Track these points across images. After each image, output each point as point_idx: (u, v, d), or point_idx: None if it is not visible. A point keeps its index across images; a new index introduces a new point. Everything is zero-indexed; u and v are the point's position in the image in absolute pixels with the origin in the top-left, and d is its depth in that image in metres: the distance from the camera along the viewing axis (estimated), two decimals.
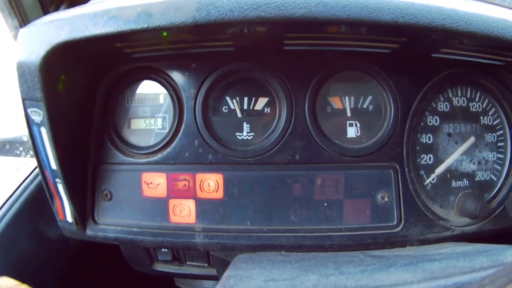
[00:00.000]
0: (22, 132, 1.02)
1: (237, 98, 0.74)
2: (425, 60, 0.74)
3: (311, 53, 0.72)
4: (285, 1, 0.55)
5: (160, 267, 0.91)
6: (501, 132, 0.80)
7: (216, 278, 0.89)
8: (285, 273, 0.53)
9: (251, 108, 0.74)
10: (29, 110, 0.67)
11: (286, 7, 0.55)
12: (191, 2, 0.57)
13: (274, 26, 0.58)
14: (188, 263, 0.89)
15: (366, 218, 0.73)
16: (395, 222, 0.74)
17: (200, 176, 0.73)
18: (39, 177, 0.90)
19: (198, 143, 0.73)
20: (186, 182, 0.73)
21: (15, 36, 0.84)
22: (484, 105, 0.80)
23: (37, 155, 0.71)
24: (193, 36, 0.64)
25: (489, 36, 0.62)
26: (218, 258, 0.81)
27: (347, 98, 0.75)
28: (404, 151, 0.74)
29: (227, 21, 0.56)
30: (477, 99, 0.80)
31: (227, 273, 0.54)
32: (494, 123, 0.80)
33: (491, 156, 0.80)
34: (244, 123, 0.74)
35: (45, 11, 0.86)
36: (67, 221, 0.76)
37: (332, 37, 0.66)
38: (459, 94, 0.79)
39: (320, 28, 0.60)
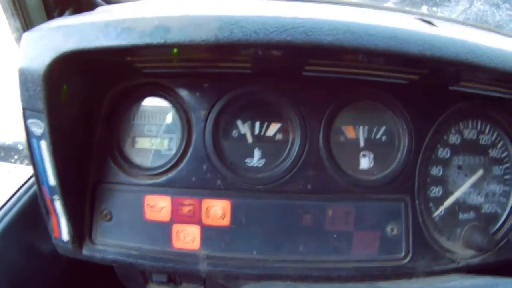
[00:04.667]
0: (17, 139, 0.98)
1: (249, 122, 0.72)
2: (440, 92, 0.74)
3: (328, 80, 0.70)
4: (312, 26, 0.53)
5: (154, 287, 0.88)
6: (508, 164, 0.80)
7: None
8: None
9: (262, 133, 0.72)
10: (28, 121, 0.63)
11: (314, 33, 0.53)
12: (213, 19, 0.54)
13: (299, 51, 0.56)
14: (183, 284, 0.86)
15: (375, 249, 0.72)
16: (403, 254, 0.73)
17: (206, 202, 0.70)
18: (33, 189, 0.86)
19: (206, 168, 0.70)
20: (192, 207, 0.70)
21: (17, 39, 0.80)
22: (493, 138, 0.80)
23: (35, 168, 0.67)
24: (211, 55, 0.61)
25: (510, 71, 0.61)
26: (217, 283, 0.78)
27: (361, 127, 0.73)
28: (416, 184, 0.73)
29: (251, 43, 0.53)
30: (486, 132, 0.79)
31: None
32: (502, 156, 0.80)
33: (497, 189, 0.80)
34: (255, 149, 0.72)
35: (49, 15, 0.81)
36: (62, 239, 0.73)
37: (353, 65, 0.64)
38: (470, 127, 0.79)
39: (346, 56, 0.59)
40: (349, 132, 0.73)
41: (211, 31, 0.53)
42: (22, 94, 0.60)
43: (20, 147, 0.96)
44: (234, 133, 0.72)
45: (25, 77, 0.58)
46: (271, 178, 0.70)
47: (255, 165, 0.72)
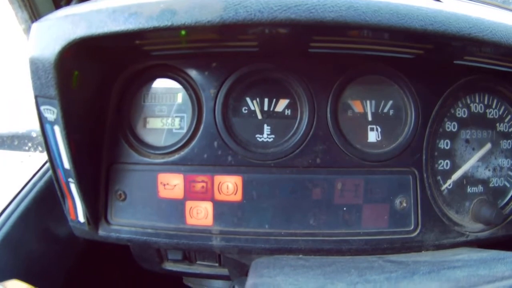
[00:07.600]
0: (30, 127, 1.00)
1: (258, 99, 0.73)
2: (446, 66, 0.74)
3: (334, 55, 0.71)
4: (315, 3, 0.54)
5: (169, 266, 0.90)
6: None
7: (226, 278, 0.88)
8: (310, 280, 0.53)
9: (271, 109, 0.73)
10: (42, 108, 0.65)
11: (317, 10, 0.54)
12: (218, 0, 0.55)
13: (303, 28, 0.57)
14: (198, 262, 0.88)
15: (384, 222, 0.73)
16: (412, 227, 0.74)
17: (218, 178, 0.72)
18: (48, 174, 0.88)
19: (217, 145, 0.71)
20: (204, 184, 0.72)
21: (26, 30, 0.81)
22: (500, 112, 0.80)
23: (49, 153, 0.69)
24: (217, 36, 0.62)
25: None
26: (231, 259, 0.80)
27: (368, 102, 0.74)
28: (424, 157, 0.74)
29: (256, 22, 0.54)
30: (494, 106, 0.80)
31: (251, 280, 0.53)
32: (510, 130, 0.80)
33: (506, 162, 0.80)
34: (265, 125, 0.73)
35: (57, 5, 0.83)
36: (78, 221, 0.75)
37: (357, 40, 0.65)
38: (477, 101, 0.79)
39: (349, 32, 0.59)
40: (357, 107, 0.74)
41: (216, 12, 0.54)
42: (34, 83, 0.61)
43: (34, 135, 0.98)
44: (244, 109, 0.73)
45: (36, 66, 0.60)
46: (281, 153, 0.72)
47: (265, 141, 0.73)
